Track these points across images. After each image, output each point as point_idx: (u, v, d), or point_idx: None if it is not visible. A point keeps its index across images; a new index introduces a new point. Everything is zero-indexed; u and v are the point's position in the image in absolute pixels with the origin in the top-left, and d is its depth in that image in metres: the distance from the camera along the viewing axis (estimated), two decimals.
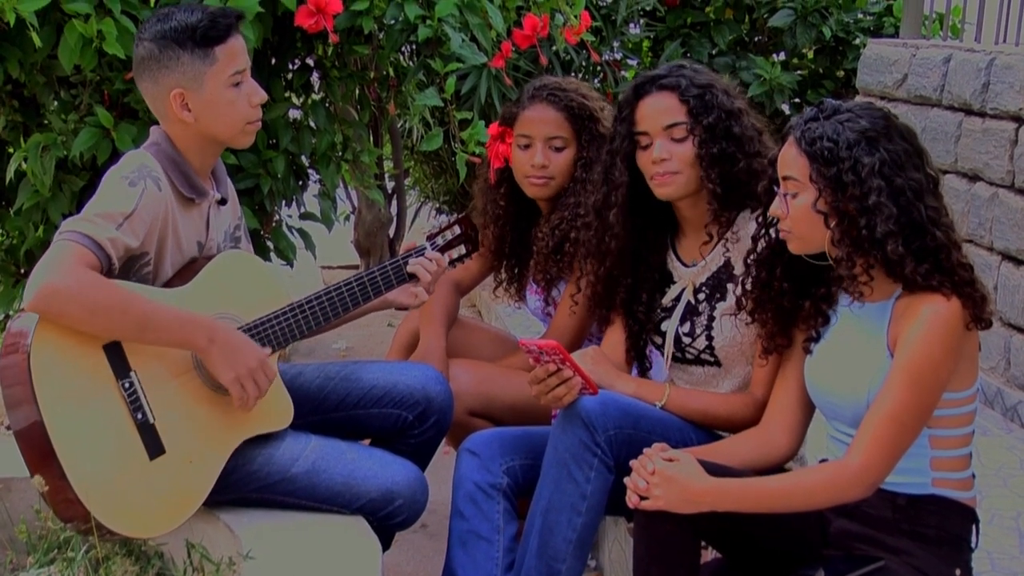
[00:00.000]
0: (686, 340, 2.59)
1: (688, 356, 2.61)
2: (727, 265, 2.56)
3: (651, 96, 2.52)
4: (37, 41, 2.77)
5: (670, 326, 2.61)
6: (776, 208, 2.20)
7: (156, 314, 2.29)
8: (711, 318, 2.55)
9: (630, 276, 2.62)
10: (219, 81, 2.41)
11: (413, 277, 2.65)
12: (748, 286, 2.39)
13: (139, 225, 2.30)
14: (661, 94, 2.52)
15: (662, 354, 2.66)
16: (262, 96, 2.48)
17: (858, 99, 4.89)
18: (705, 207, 2.54)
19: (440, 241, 2.74)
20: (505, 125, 3.07)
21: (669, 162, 2.49)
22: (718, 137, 2.48)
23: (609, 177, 2.59)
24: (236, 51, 2.43)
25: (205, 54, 2.39)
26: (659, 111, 2.51)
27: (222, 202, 2.57)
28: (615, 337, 2.69)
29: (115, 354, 2.29)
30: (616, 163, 2.58)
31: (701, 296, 2.58)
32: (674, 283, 2.63)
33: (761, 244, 2.33)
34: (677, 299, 2.61)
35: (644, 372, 2.73)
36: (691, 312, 2.59)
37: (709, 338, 2.56)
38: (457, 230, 2.76)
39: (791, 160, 2.17)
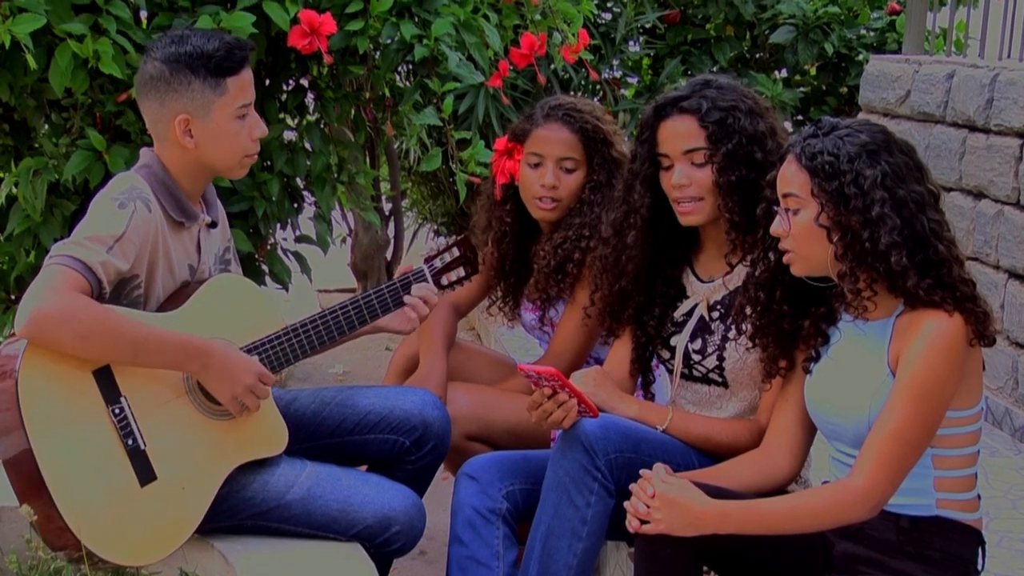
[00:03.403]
0: (696, 357, 2.58)
1: (696, 374, 2.60)
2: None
3: (671, 119, 2.51)
4: (32, 63, 2.78)
5: (680, 341, 2.61)
6: (777, 226, 2.21)
7: (149, 338, 2.29)
8: (725, 338, 2.55)
9: (644, 293, 2.63)
10: (227, 112, 2.43)
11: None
12: (748, 311, 2.40)
13: (129, 247, 2.31)
14: (682, 117, 2.49)
15: (668, 370, 2.66)
16: (263, 131, 2.51)
17: (860, 116, 4.91)
18: (726, 229, 2.52)
19: (438, 263, 2.73)
20: (515, 141, 3.05)
21: (690, 188, 2.49)
22: (738, 164, 2.46)
23: (628, 198, 2.60)
24: (246, 84, 2.46)
25: (217, 84, 2.41)
26: (679, 135, 2.49)
27: (212, 225, 2.58)
28: (622, 351, 2.69)
29: (105, 379, 2.29)
30: (636, 186, 2.58)
31: (715, 315, 2.58)
32: (687, 298, 2.63)
33: (760, 267, 2.34)
34: (689, 314, 2.61)
35: (647, 385, 2.73)
36: (703, 329, 2.58)
37: (720, 358, 2.55)
38: (456, 252, 2.76)
39: (791, 176, 2.18)
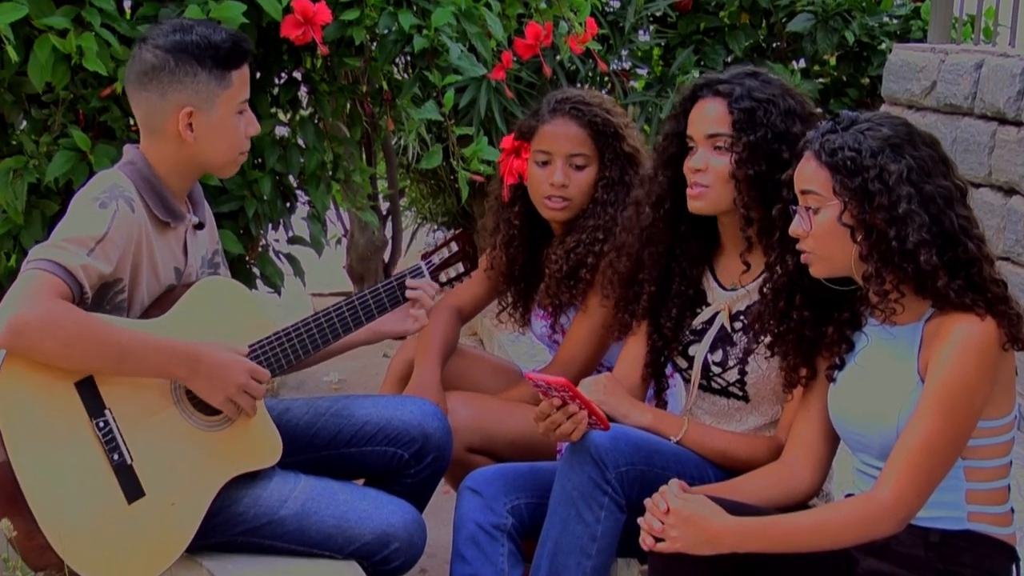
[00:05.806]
0: (716, 370, 2.57)
1: (715, 386, 2.59)
2: None
3: (705, 100, 2.51)
4: (13, 55, 2.77)
5: (699, 351, 2.60)
6: (797, 226, 2.20)
7: (134, 344, 2.29)
8: (748, 351, 2.53)
9: (659, 284, 2.61)
10: (229, 107, 2.45)
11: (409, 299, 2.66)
12: (766, 317, 2.38)
13: (112, 249, 2.31)
14: (714, 100, 2.50)
15: (684, 379, 2.65)
16: (256, 129, 2.53)
17: (883, 108, 4.89)
18: (740, 226, 2.51)
19: (436, 260, 2.74)
20: (522, 139, 3.03)
21: (703, 174, 2.48)
22: (759, 158, 2.44)
23: (656, 177, 2.59)
24: (247, 79, 2.48)
25: (222, 76, 2.42)
26: (706, 118, 2.50)
27: (199, 226, 2.58)
28: (635, 351, 2.68)
29: (88, 391, 2.29)
30: (661, 164, 2.58)
31: (738, 325, 2.56)
32: (708, 305, 2.62)
33: (777, 271, 2.33)
34: (709, 323, 2.60)
35: (661, 392, 2.71)
36: (724, 340, 2.57)
37: (742, 372, 2.54)
38: (454, 247, 2.76)
39: (810, 174, 2.17)
